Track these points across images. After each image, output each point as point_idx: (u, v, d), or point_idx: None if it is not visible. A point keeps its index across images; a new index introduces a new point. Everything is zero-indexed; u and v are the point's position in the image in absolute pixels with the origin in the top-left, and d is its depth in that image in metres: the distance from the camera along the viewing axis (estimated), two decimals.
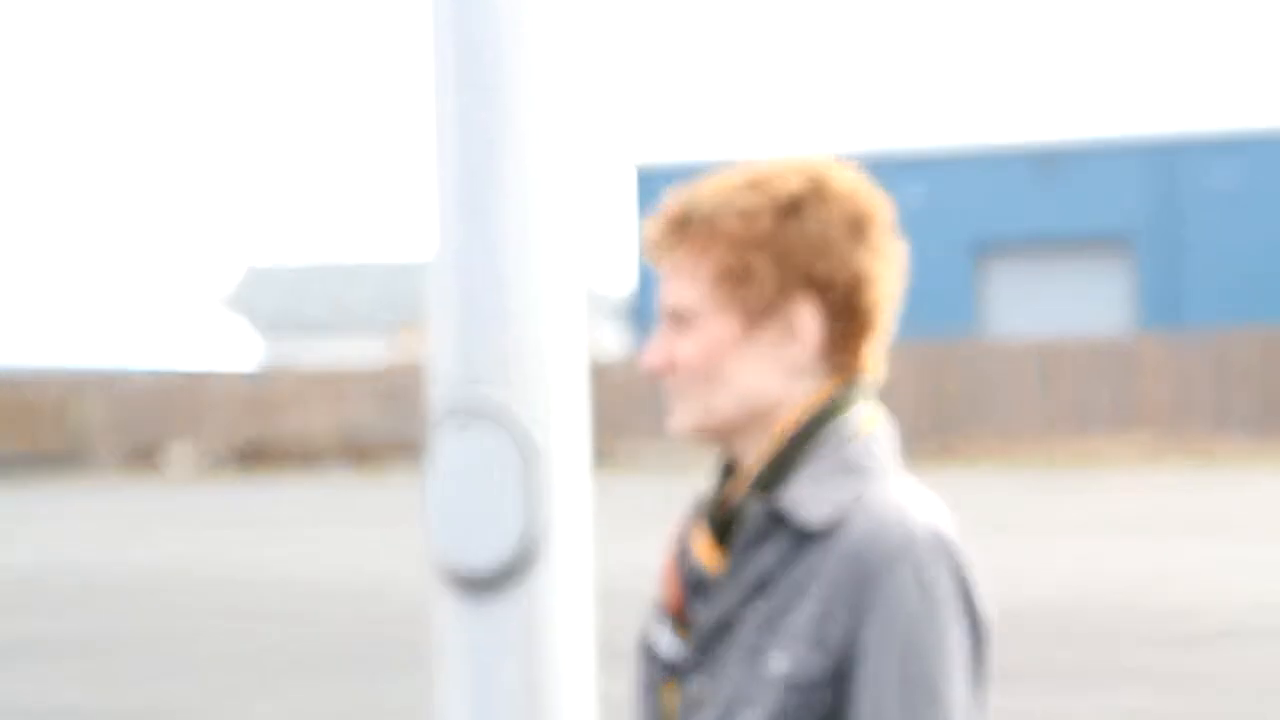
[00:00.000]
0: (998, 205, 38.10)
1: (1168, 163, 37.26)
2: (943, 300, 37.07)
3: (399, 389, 33.22)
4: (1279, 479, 24.76)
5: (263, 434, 34.09)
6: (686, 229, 2.01)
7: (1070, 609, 12.01)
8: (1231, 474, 26.15)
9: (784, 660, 1.91)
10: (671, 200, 2.04)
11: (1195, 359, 29.85)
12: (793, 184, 1.99)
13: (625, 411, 31.66)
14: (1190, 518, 19.17)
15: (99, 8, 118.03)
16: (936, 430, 30.48)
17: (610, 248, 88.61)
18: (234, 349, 44.89)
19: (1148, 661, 9.94)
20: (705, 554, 2.01)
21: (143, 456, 34.64)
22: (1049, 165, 37.81)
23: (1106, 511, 20.12)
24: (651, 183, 39.70)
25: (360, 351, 41.74)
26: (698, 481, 2.11)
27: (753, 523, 1.96)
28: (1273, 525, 17.84)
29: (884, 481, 1.98)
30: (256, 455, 34.07)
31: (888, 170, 39.34)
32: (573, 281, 1.95)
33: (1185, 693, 9.07)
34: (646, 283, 36.27)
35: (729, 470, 2.06)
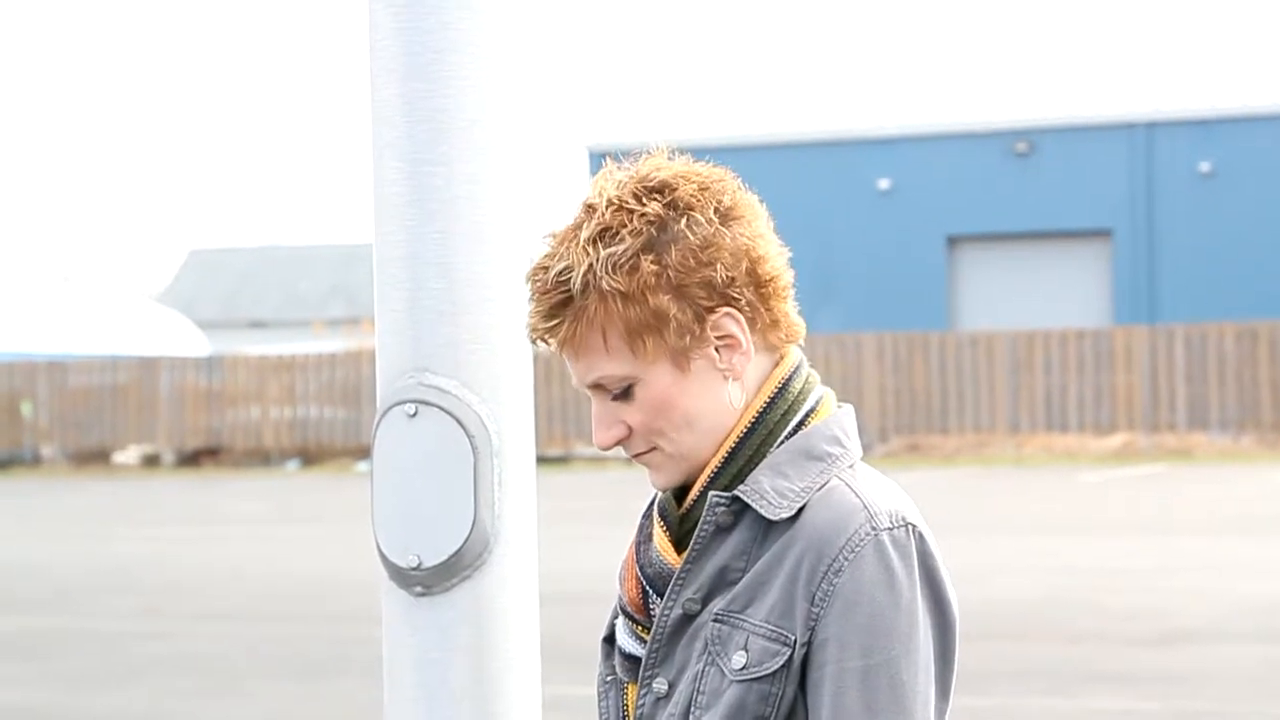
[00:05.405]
0: (970, 192, 36.62)
1: (1148, 147, 35.94)
2: (913, 292, 36.03)
3: (356, 383, 33.03)
4: (1256, 476, 24.50)
5: (214, 428, 33.85)
6: (571, 308, 1.90)
7: (1042, 609, 11.95)
8: (1207, 471, 25.78)
9: (745, 654, 1.87)
10: (537, 284, 1.92)
11: (1172, 352, 29.50)
12: (645, 212, 1.91)
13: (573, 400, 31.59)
14: (1165, 516, 19.06)
15: None
16: (905, 425, 30.24)
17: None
18: (179, 338, 44.29)
19: (1121, 662, 9.90)
20: (665, 549, 1.97)
21: (92, 453, 34.36)
22: (1024, 150, 36.53)
23: (1079, 510, 20.04)
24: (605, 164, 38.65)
25: (314, 347, 41.34)
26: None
27: (713, 515, 1.92)
28: (1248, 524, 17.66)
29: (847, 468, 1.94)
30: (208, 451, 33.84)
31: (854, 155, 38.60)
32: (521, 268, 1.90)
33: (1159, 694, 9.03)
34: None
35: None
